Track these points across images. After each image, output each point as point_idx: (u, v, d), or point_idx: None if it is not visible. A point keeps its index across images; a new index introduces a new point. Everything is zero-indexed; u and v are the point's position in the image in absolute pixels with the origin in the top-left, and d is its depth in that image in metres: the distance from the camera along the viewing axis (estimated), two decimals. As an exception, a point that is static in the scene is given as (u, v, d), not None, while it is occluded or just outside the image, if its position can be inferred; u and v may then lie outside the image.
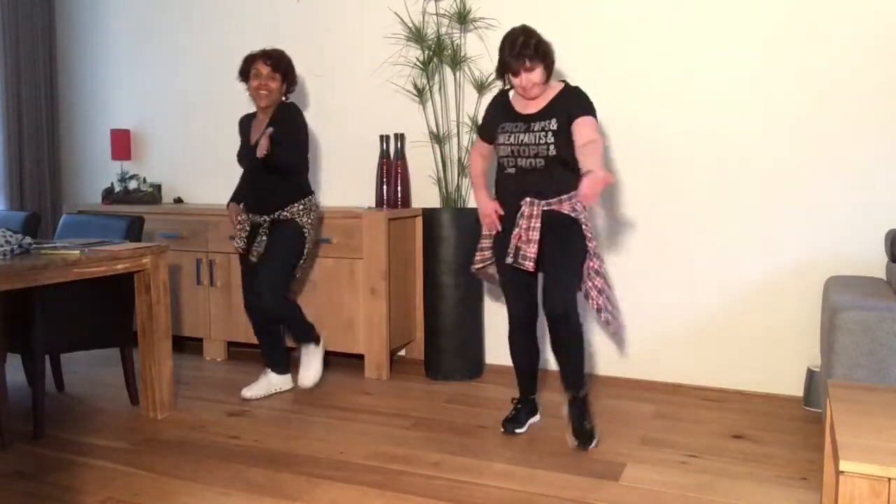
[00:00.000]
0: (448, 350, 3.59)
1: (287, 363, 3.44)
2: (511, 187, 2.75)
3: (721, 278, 3.41)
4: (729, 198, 3.37)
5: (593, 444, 2.73)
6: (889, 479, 1.43)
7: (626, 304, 3.59)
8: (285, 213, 3.18)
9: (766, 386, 3.38)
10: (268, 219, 3.19)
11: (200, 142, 4.55)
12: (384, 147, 3.83)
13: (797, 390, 3.33)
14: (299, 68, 4.22)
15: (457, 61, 3.72)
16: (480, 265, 2.92)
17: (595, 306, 2.71)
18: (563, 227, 2.69)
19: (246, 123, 3.32)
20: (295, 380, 3.49)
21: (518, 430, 2.92)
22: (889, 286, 2.76)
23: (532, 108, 2.71)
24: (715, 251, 3.41)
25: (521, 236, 2.68)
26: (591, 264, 2.72)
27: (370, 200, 4.08)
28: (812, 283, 3.27)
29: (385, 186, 3.82)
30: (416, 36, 3.73)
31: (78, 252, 2.69)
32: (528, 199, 2.68)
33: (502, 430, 2.91)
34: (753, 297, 3.36)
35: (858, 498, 1.45)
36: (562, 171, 2.68)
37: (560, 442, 2.79)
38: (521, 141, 2.68)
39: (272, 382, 3.39)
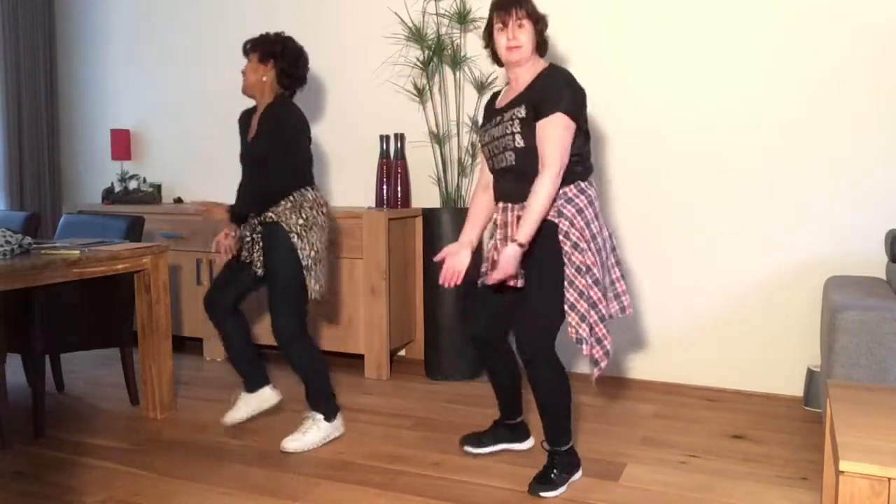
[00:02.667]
0: (448, 350, 3.59)
1: (264, 373, 2.96)
2: (496, 193, 2.43)
3: (721, 278, 3.41)
4: (729, 198, 3.37)
5: (550, 494, 2.32)
6: (889, 479, 1.43)
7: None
8: (270, 215, 2.70)
9: (766, 386, 3.38)
10: (255, 221, 2.76)
11: (200, 142, 4.55)
12: (384, 147, 3.83)
13: (797, 390, 3.33)
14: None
15: (457, 61, 3.72)
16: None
17: (574, 336, 2.27)
18: (540, 238, 2.26)
19: (245, 119, 2.91)
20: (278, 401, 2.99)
21: (470, 450, 2.64)
22: (889, 286, 2.76)
23: (510, 97, 2.37)
24: (715, 251, 3.41)
25: (496, 246, 2.40)
26: (568, 295, 2.25)
27: (370, 200, 4.08)
28: (812, 283, 3.27)
29: (385, 186, 3.82)
30: (416, 36, 3.73)
31: (78, 252, 2.69)
32: (500, 206, 2.39)
33: (460, 445, 2.68)
34: (753, 297, 3.36)
35: (858, 498, 1.45)
36: (536, 166, 2.28)
37: (560, 442, 2.79)
38: (493, 136, 2.37)
39: (263, 398, 2.93)
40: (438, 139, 3.73)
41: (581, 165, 2.32)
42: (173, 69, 4.57)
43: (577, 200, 2.29)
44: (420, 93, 3.81)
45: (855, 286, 2.74)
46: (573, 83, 2.28)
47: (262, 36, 2.76)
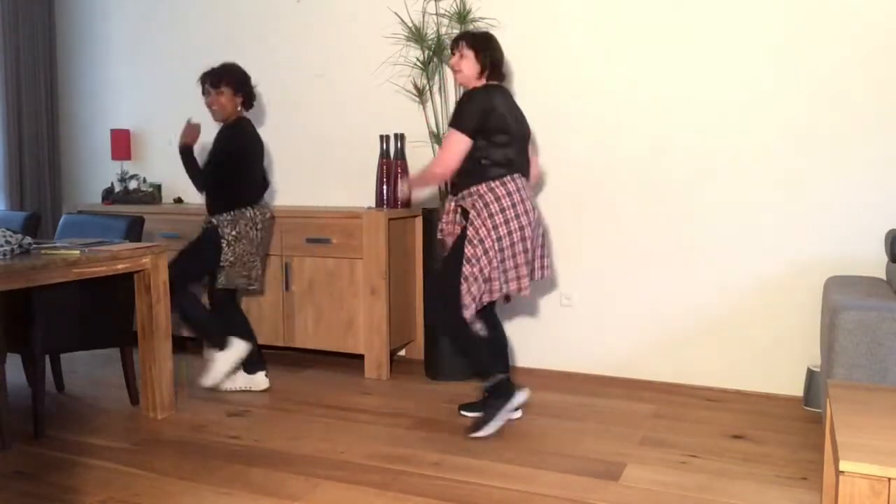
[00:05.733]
0: (448, 350, 3.59)
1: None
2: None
3: (721, 278, 3.41)
4: (729, 198, 3.37)
5: (478, 434, 2.82)
6: (889, 479, 1.43)
7: (627, 304, 3.59)
8: (213, 221, 3.34)
9: (766, 386, 3.38)
10: (204, 225, 3.40)
11: (200, 142, 4.54)
12: (384, 147, 3.83)
13: (797, 390, 3.33)
14: (299, 68, 4.23)
15: (457, 61, 3.72)
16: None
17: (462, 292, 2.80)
18: (464, 226, 2.84)
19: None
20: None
21: (465, 413, 3.09)
22: (889, 286, 2.76)
23: None
24: (715, 251, 3.41)
25: (443, 230, 2.97)
26: (465, 270, 2.77)
27: (370, 200, 4.08)
28: (812, 283, 3.27)
29: (385, 186, 3.82)
30: (416, 36, 3.72)
31: (78, 252, 2.69)
32: (449, 196, 2.96)
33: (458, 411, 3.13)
34: (753, 296, 3.36)
35: (858, 498, 1.45)
36: (461, 167, 2.82)
37: (560, 442, 2.79)
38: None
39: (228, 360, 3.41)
40: (438, 139, 3.73)
41: (493, 168, 2.79)
42: (173, 69, 4.57)
43: (486, 197, 2.77)
44: (420, 93, 3.81)
45: (855, 286, 2.74)
46: (472, 105, 2.76)
47: (221, 67, 3.36)
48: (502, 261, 2.80)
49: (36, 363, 2.85)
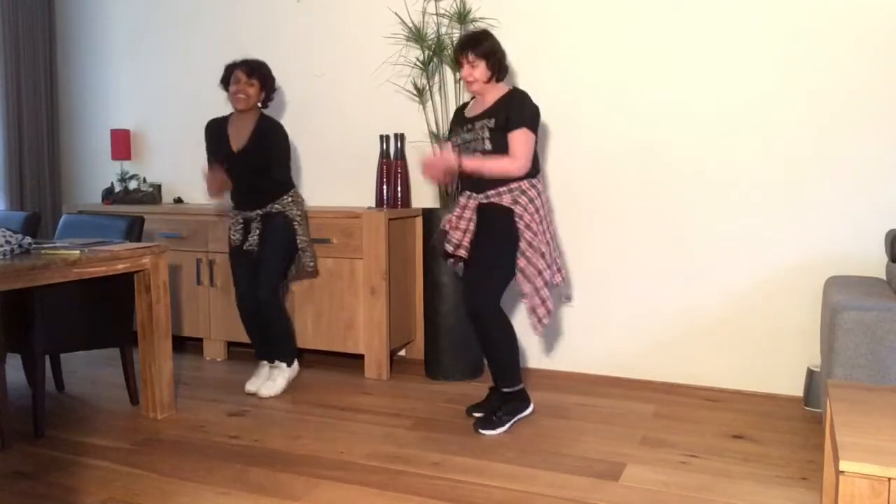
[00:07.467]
0: (448, 350, 3.59)
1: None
2: (461, 184, 2.99)
3: (721, 278, 3.41)
4: (729, 198, 3.37)
5: (492, 432, 2.85)
6: (889, 479, 1.43)
7: (627, 304, 3.59)
8: (277, 206, 3.31)
9: (766, 386, 3.38)
10: (260, 213, 3.32)
11: (200, 142, 4.54)
12: (384, 147, 3.83)
13: (797, 390, 3.33)
14: (299, 68, 4.24)
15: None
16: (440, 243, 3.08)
17: (528, 306, 2.85)
18: (495, 221, 2.85)
19: (219, 128, 3.37)
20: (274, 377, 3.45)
21: (477, 414, 3.05)
22: (889, 286, 2.76)
23: (480, 110, 2.92)
24: (715, 251, 3.41)
25: (451, 221, 2.94)
26: (520, 262, 2.82)
27: (370, 200, 4.08)
28: (812, 283, 3.27)
29: (385, 186, 3.82)
30: (416, 36, 3.73)
31: (78, 252, 2.69)
32: (466, 193, 2.94)
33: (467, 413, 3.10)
34: (753, 296, 3.36)
35: (858, 498, 1.45)
36: None
37: (560, 442, 2.79)
38: (465, 139, 2.92)
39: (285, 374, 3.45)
40: (438, 139, 3.73)
41: (533, 167, 2.87)
42: (173, 69, 4.57)
43: (529, 193, 2.85)
44: (420, 93, 3.81)
45: (855, 286, 2.74)
46: (531, 104, 2.86)
47: (257, 60, 3.33)
48: (549, 254, 2.89)
49: (36, 363, 2.85)
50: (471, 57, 2.84)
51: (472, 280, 2.87)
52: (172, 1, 4.53)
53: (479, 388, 3.47)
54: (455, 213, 2.94)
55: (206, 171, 3.25)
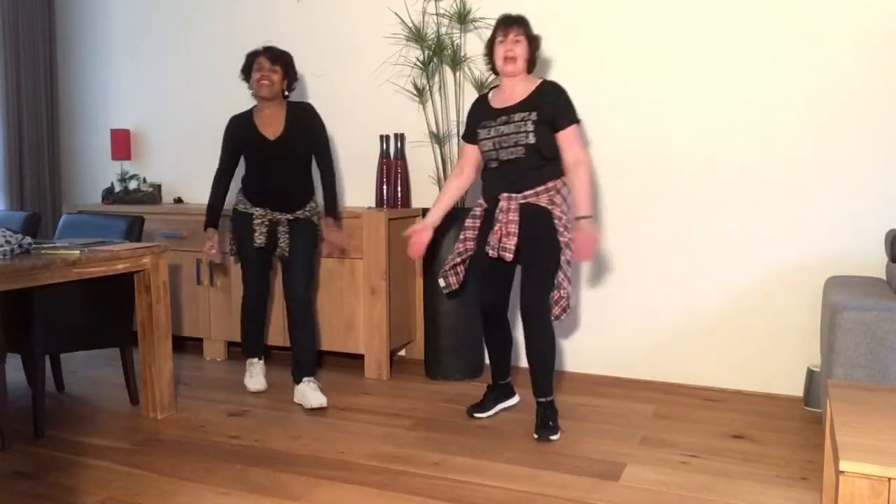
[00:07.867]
0: (448, 350, 3.59)
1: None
2: (493, 182, 2.87)
3: (721, 278, 3.41)
4: (729, 198, 3.37)
5: (556, 437, 2.82)
6: (889, 479, 1.43)
7: (626, 304, 3.59)
8: (306, 212, 3.30)
9: (766, 386, 3.38)
10: (290, 217, 3.27)
11: (200, 142, 4.55)
12: (384, 147, 3.83)
13: (797, 390, 3.33)
14: (299, 68, 4.23)
15: (457, 61, 3.72)
16: (459, 259, 2.99)
17: (557, 296, 2.80)
18: (539, 221, 2.79)
19: (245, 121, 3.26)
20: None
21: (478, 415, 3.06)
22: (889, 286, 2.76)
23: (511, 101, 2.82)
24: (715, 251, 3.41)
25: (501, 230, 2.79)
26: (567, 256, 2.81)
27: (370, 200, 4.08)
28: (812, 283, 3.27)
29: (385, 186, 3.82)
30: (416, 36, 3.73)
31: (78, 252, 2.69)
32: (504, 195, 2.80)
33: (467, 415, 3.08)
34: (753, 296, 3.36)
35: (858, 498, 1.45)
36: (539, 161, 2.78)
37: (560, 442, 2.79)
38: (502, 132, 2.80)
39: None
40: (438, 139, 3.73)
41: (561, 164, 2.82)
42: (173, 69, 4.57)
43: (562, 192, 2.83)
44: (420, 93, 3.81)
45: (855, 286, 2.74)
46: (567, 95, 2.81)
47: (278, 48, 3.27)
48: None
49: (36, 363, 2.85)
50: (516, 33, 2.77)
51: (532, 282, 2.78)
52: (172, 1, 4.53)
53: (478, 388, 3.47)
54: (501, 220, 2.79)
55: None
